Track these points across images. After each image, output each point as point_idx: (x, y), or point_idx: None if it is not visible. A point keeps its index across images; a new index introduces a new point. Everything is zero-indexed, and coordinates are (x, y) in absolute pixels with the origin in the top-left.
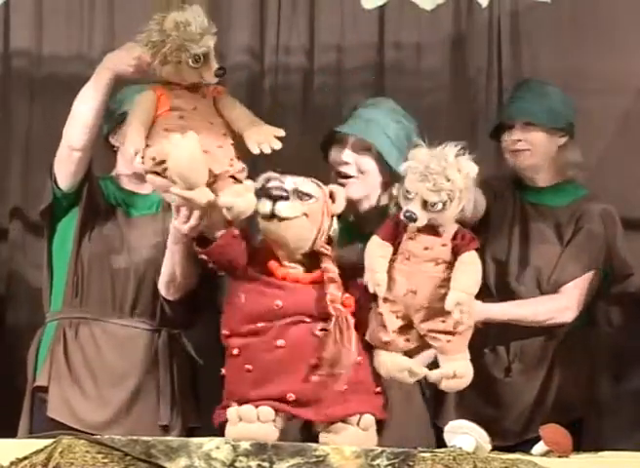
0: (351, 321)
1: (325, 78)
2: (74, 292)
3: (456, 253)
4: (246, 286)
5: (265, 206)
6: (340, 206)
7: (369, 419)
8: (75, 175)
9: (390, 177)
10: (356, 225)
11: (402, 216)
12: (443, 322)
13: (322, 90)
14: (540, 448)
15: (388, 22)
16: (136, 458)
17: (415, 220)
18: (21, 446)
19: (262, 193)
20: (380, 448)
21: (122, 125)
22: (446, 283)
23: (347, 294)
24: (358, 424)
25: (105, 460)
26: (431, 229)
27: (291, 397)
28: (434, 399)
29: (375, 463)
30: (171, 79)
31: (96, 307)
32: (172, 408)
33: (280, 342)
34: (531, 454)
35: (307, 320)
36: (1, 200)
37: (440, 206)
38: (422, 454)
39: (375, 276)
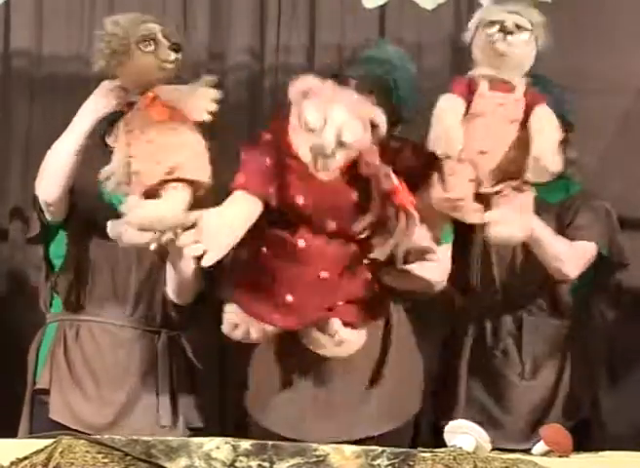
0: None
1: (325, 78)
2: (75, 295)
3: (529, 108)
4: None
5: (307, 155)
6: (382, 130)
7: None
8: (59, 213)
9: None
10: None
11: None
12: (512, 184)
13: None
14: (540, 447)
15: (389, 22)
16: (136, 458)
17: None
18: (22, 446)
19: (307, 142)
20: (380, 448)
21: (116, 124)
22: (519, 143)
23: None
24: None
25: (106, 460)
26: (504, 85)
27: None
28: (444, 399)
29: (375, 463)
30: (131, 79)
31: (96, 309)
32: (172, 408)
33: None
34: (531, 454)
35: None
36: (1, 200)
37: (526, 35)
38: (423, 454)
39: (449, 134)
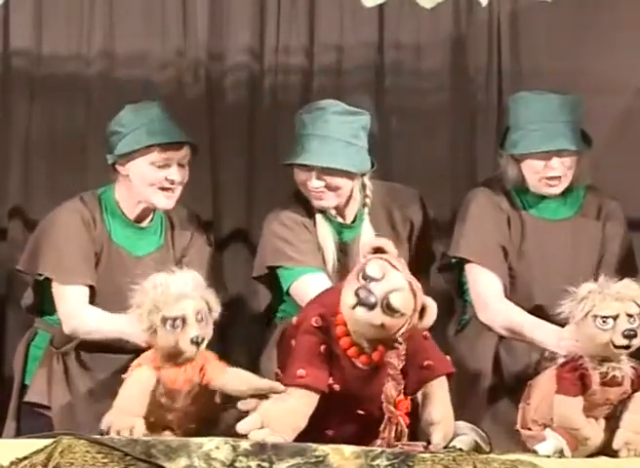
0: (402, 423)
1: (325, 78)
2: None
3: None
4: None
5: (350, 299)
6: (427, 323)
7: None
8: None
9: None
10: (349, 226)
11: (621, 336)
12: None
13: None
14: (545, 446)
15: (388, 22)
16: (136, 458)
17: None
18: (21, 445)
19: (355, 288)
20: (379, 449)
21: (131, 158)
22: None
23: (402, 398)
24: None
25: (105, 460)
26: (614, 380)
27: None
28: (462, 398)
29: (374, 463)
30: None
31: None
32: None
33: None
34: (535, 452)
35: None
36: (0, 199)
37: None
38: (422, 455)
39: (581, 435)
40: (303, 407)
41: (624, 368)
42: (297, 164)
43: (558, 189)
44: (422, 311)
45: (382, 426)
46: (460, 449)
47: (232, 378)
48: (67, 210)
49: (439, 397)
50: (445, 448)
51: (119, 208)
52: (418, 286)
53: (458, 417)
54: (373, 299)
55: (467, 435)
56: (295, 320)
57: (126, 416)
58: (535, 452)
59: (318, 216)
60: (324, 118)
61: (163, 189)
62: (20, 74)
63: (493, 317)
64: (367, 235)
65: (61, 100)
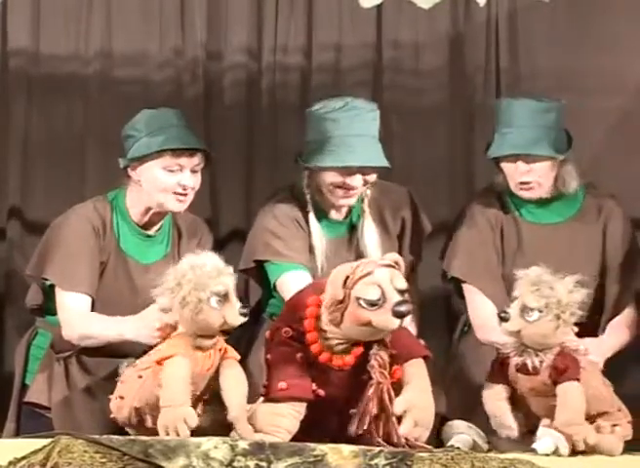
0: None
1: (323, 77)
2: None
3: (554, 383)
4: None
5: (394, 323)
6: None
7: None
8: None
9: None
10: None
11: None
12: None
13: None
14: (543, 445)
15: (386, 21)
16: (134, 458)
17: (507, 320)
18: (20, 445)
19: (386, 311)
20: (377, 448)
21: (143, 162)
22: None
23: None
24: None
25: (103, 460)
26: (526, 367)
27: None
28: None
29: (373, 463)
30: (192, 326)
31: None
32: None
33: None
34: (534, 450)
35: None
36: None
37: (536, 315)
38: (420, 454)
39: (501, 422)
40: (293, 412)
41: (545, 357)
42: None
43: (534, 194)
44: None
45: (370, 391)
46: (459, 448)
47: (235, 377)
48: (78, 216)
49: (412, 383)
50: (442, 446)
51: (129, 215)
52: (382, 259)
53: (461, 417)
54: (409, 306)
55: (465, 434)
56: (267, 333)
57: (176, 411)
58: (533, 451)
59: (311, 214)
60: (357, 117)
61: (175, 193)
62: (18, 74)
63: (488, 336)
64: (369, 233)
65: (60, 100)
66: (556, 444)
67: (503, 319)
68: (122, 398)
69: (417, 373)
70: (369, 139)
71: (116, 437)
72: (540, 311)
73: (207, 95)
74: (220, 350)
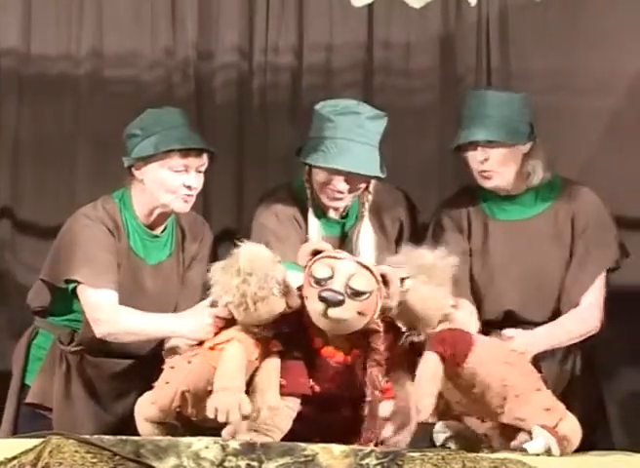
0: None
1: (314, 77)
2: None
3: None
4: None
5: (319, 307)
6: (394, 292)
7: None
8: None
9: None
10: (340, 223)
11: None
12: None
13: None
14: (534, 445)
15: (377, 21)
16: (125, 458)
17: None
18: (10, 445)
19: (317, 293)
20: (368, 448)
21: (148, 162)
22: None
23: (387, 380)
24: None
25: (94, 460)
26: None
27: None
28: None
29: (364, 462)
30: (256, 318)
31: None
32: None
33: None
34: (524, 450)
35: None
36: None
37: (409, 282)
38: (411, 454)
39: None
40: (287, 410)
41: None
42: (330, 168)
43: (492, 183)
44: (385, 281)
45: (365, 409)
46: (450, 448)
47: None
48: (89, 218)
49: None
50: (435, 446)
51: (136, 215)
52: (366, 262)
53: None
54: (340, 296)
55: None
56: None
57: (230, 394)
58: (524, 451)
59: (310, 213)
60: (358, 123)
61: (180, 194)
62: (8, 74)
63: None
64: (365, 236)
65: (51, 100)
66: (548, 445)
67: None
68: (167, 383)
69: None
70: (365, 147)
71: (107, 437)
72: (412, 277)
73: (198, 94)
74: (268, 347)
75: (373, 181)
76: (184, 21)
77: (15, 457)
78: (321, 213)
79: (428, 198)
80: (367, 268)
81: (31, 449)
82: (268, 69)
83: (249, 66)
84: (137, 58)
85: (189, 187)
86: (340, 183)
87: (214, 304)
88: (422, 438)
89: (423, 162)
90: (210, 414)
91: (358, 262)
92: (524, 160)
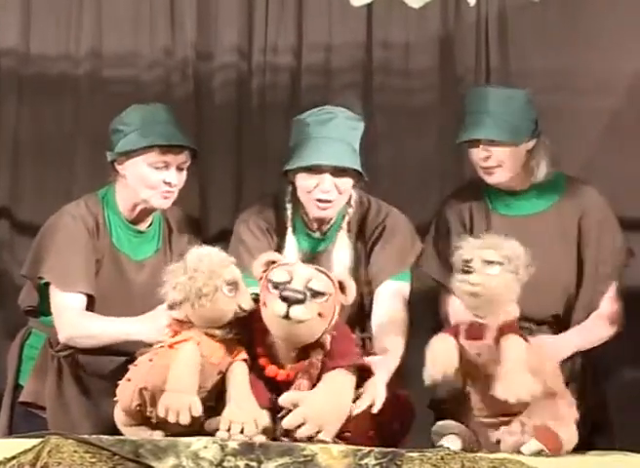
0: None
1: (313, 77)
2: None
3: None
4: None
5: (280, 308)
6: (350, 297)
7: None
8: None
9: None
10: (321, 239)
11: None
12: None
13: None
14: (530, 447)
15: (376, 21)
16: (124, 458)
17: (470, 272)
18: (9, 445)
19: (278, 295)
20: (367, 448)
21: (130, 157)
22: None
23: None
24: None
25: (93, 460)
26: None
27: None
28: None
29: (363, 463)
30: (204, 317)
31: None
32: None
33: None
34: (521, 452)
35: None
36: None
37: (497, 268)
38: (410, 454)
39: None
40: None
41: (490, 322)
42: (306, 167)
43: (495, 178)
44: (342, 288)
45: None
46: (449, 448)
47: (239, 376)
48: (71, 216)
49: (319, 386)
50: (433, 446)
51: (120, 211)
52: (322, 268)
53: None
54: (300, 295)
55: (455, 435)
56: None
57: (182, 396)
58: (520, 453)
59: (289, 230)
60: (335, 122)
61: (160, 190)
62: (8, 74)
63: None
64: (341, 250)
65: (50, 100)
66: (540, 447)
67: (467, 272)
68: (129, 380)
69: (329, 379)
70: (341, 143)
71: (106, 437)
72: (501, 263)
73: (197, 95)
74: (232, 351)
75: (353, 195)
76: (183, 21)
77: (14, 457)
78: (302, 228)
79: (428, 198)
80: (324, 273)
81: (30, 449)
82: (267, 69)
83: (248, 66)
84: (136, 58)
85: (169, 184)
86: (324, 182)
87: (172, 306)
88: (422, 438)
89: (423, 162)
90: (161, 414)
91: (315, 268)
92: (528, 156)
